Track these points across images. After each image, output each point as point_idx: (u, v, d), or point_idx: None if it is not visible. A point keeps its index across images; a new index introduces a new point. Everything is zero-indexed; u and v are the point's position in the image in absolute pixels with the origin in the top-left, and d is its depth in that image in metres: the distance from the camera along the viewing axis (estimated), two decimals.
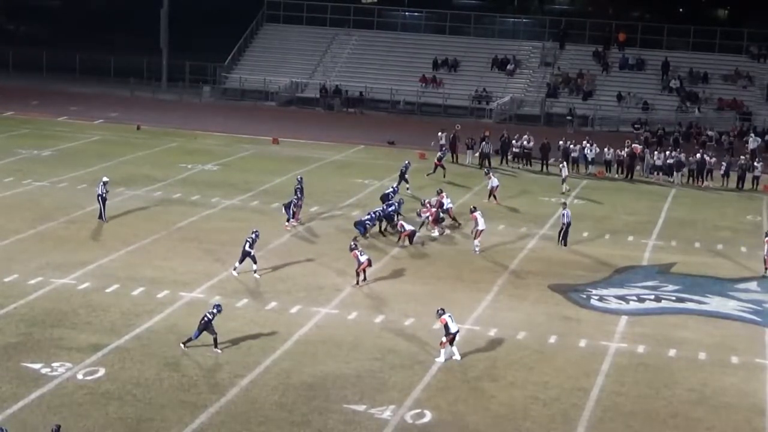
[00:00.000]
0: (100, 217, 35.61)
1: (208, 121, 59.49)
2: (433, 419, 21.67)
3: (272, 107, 67.11)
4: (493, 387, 23.40)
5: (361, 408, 21.95)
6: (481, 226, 34.00)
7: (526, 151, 49.67)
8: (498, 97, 66.12)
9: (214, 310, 24.68)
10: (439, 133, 50.53)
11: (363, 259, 29.78)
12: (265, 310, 27.67)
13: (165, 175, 44.01)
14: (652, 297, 30.50)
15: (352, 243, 30.65)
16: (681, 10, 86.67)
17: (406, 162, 42.82)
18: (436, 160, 46.52)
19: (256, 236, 30.56)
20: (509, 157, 49.95)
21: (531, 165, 49.52)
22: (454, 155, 49.97)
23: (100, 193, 35.56)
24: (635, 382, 24.03)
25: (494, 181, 41.42)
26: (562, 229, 35.43)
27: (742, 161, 47.74)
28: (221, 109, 65.15)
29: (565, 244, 35.29)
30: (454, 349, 24.86)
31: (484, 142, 49.09)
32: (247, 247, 30.06)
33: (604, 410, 22.50)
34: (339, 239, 34.36)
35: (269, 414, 21.53)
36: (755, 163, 47.63)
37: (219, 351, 24.44)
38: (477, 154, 49.38)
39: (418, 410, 21.99)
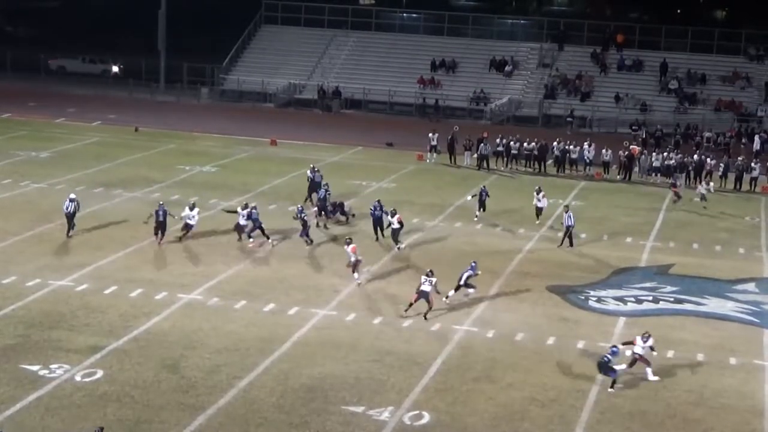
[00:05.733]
0: (68, 232, 33.69)
1: (206, 122, 59.47)
2: (432, 420, 21.65)
3: (270, 109, 67.13)
4: (492, 388, 23.38)
5: (360, 409, 21.93)
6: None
7: (527, 152, 49.62)
8: (496, 99, 66.16)
9: (609, 354, 23.54)
10: (430, 134, 50.65)
11: (360, 257, 29.97)
12: (264, 312, 27.64)
13: (163, 176, 43.98)
14: (650, 298, 30.49)
15: (348, 238, 30.93)
16: (679, 11, 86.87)
17: (483, 186, 39.98)
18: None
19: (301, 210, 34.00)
20: (508, 159, 49.95)
21: (531, 166, 49.52)
22: (452, 157, 49.96)
23: (67, 211, 33.54)
24: (633, 384, 24.01)
25: (543, 202, 38.24)
26: (565, 232, 35.33)
27: (740, 162, 47.74)
28: (219, 111, 65.13)
29: (571, 245, 35.20)
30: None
31: (482, 144, 49.10)
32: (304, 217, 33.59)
33: (603, 411, 22.49)
34: (337, 241, 34.33)
35: (268, 416, 21.51)
36: (753, 164, 47.59)
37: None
38: (475, 156, 49.38)
39: (417, 411, 21.97)
